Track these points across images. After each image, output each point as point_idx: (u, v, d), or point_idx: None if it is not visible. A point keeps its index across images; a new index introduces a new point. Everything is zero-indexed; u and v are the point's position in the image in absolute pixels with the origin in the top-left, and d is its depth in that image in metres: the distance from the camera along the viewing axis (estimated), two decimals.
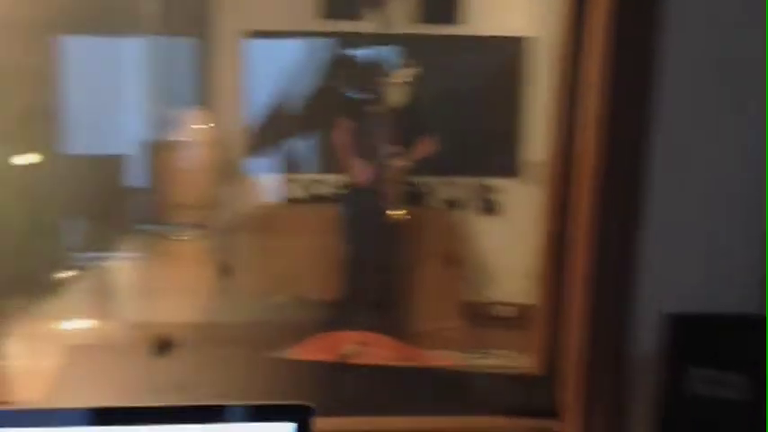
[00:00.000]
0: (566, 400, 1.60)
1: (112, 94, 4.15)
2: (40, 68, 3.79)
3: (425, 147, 4.12)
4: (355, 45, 4.06)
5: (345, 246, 4.13)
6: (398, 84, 3.34)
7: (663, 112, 1.35)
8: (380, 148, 3.72)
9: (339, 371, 1.65)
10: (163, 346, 1.58)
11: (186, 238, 4.25)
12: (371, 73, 3.62)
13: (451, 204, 4.81)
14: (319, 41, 4.53)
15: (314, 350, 2.51)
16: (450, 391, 1.71)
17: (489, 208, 4.69)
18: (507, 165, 4.61)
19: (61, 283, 2.54)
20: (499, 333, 4.03)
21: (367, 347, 2.44)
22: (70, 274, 2.55)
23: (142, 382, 1.58)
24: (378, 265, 4.18)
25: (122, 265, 3.52)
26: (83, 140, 3.98)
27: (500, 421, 1.63)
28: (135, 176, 4.24)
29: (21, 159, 2.76)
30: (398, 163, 3.87)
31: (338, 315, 3.93)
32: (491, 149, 4.61)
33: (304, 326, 3.18)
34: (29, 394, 1.55)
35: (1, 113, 3.09)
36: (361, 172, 3.94)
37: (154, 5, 4.14)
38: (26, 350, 1.68)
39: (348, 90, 3.97)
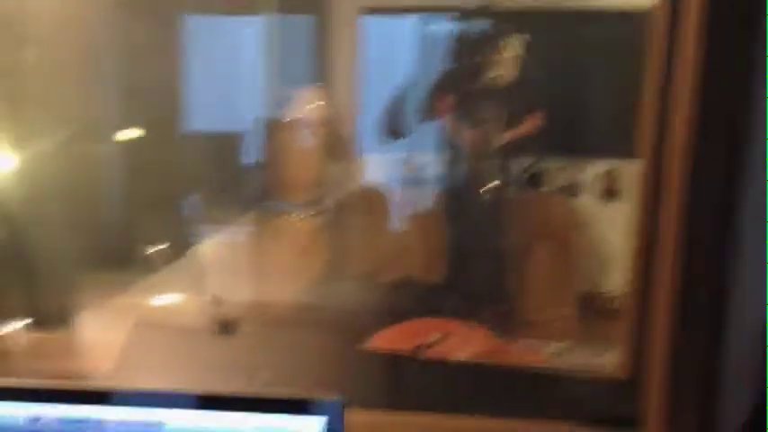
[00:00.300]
0: (650, 409, 1.46)
1: (230, 72, 4.22)
2: (162, 46, 3.89)
3: (534, 121, 3.94)
4: (468, 19, 3.92)
5: (451, 226, 4.03)
6: (509, 58, 3.19)
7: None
8: (489, 122, 3.57)
9: (410, 364, 1.57)
10: (227, 327, 1.57)
11: (297, 216, 4.29)
12: (483, 47, 3.48)
13: (569, 189, 4.60)
14: (434, 17, 4.42)
15: (395, 338, 2.44)
16: (526, 392, 1.60)
17: (609, 192, 4.45)
18: (627, 146, 4.33)
19: (158, 258, 2.60)
20: (610, 326, 3.82)
21: (451, 337, 2.34)
22: (166, 249, 2.60)
23: (204, 362, 1.57)
24: (485, 249, 4.06)
25: (229, 242, 3.59)
26: (201, 118, 4.08)
27: (577, 429, 1.51)
28: (250, 154, 4.31)
29: (126, 135, 2.83)
30: (506, 135, 3.70)
31: (441, 299, 3.84)
32: (610, 130, 4.35)
33: (398, 310, 3.13)
34: (97, 367, 1.57)
35: (118, 90, 3.19)
36: (469, 136, 3.77)
37: None
38: (100, 323, 1.71)
39: (459, 65, 3.85)
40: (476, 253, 4.02)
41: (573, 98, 4.51)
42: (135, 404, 1.03)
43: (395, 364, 1.52)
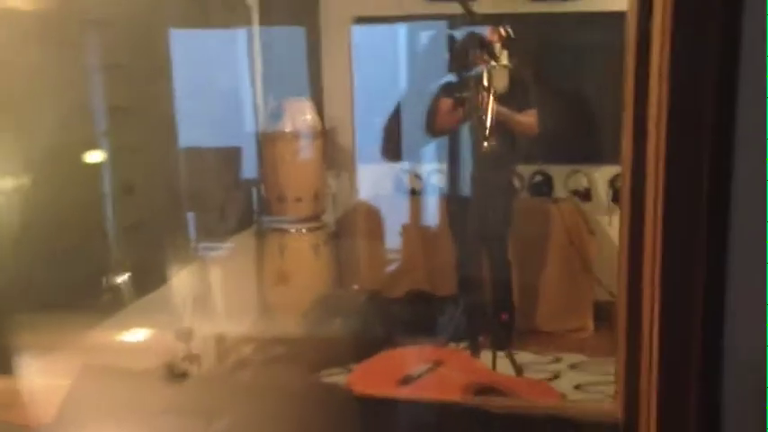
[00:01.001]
0: None
1: (221, 86, 4.10)
2: (151, 63, 3.78)
3: (529, 118, 3.76)
4: (461, 26, 3.79)
5: (457, 237, 3.87)
6: (500, 66, 3.04)
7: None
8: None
9: (379, 405, 1.42)
10: (191, 364, 1.43)
11: (295, 230, 4.15)
12: (475, 55, 3.33)
13: (580, 194, 4.43)
14: (426, 25, 4.29)
15: (379, 368, 2.29)
16: None
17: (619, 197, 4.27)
18: None
19: (126, 290, 2.42)
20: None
21: (442, 367, 2.18)
22: (136, 279, 2.42)
23: (159, 407, 1.42)
24: (493, 258, 3.90)
25: (215, 266, 3.43)
26: (191, 133, 3.95)
27: None
28: (244, 169, 4.19)
29: (93, 157, 2.68)
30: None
31: (449, 313, 3.69)
32: (617, 134, 4.19)
33: (381, 340, 2.96)
34: (41, 415, 1.44)
35: (100, 108, 3.07)
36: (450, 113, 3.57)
37: None
38: (45, 367, 1.58)
39: (455, 73, 3.70)
40: (484, 262, 3.85)
41: (574, 102, 4.36)
42: None
43: (366, 404, 1.37)
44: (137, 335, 2.17)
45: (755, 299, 1.10)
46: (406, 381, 2.04)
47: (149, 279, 2.65)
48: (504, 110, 3.58)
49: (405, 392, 1.90)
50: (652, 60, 1.14)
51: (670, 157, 1.08)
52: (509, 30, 3.76)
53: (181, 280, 2.85)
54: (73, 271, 2.17)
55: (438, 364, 2.22)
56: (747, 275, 1.09)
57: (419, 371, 2.12)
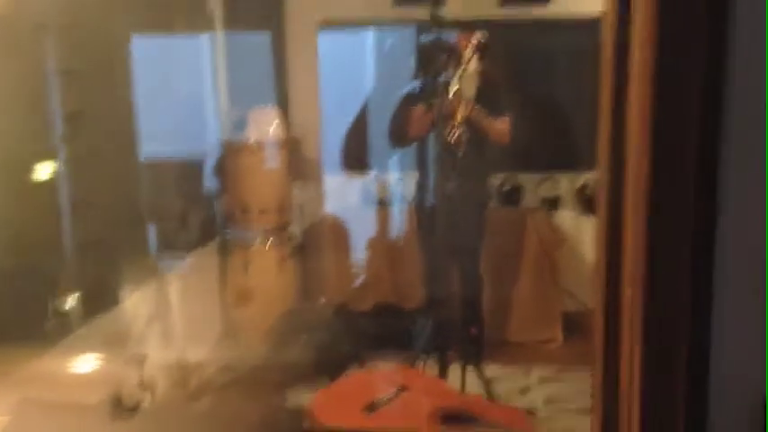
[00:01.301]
0: None
1: (184, 94, 3.98)
2: (112, 69, 3.65)
3: (501, 124, 3.69)
4: (430, 31, 3.71)
5: (425, 248, 3.78)
6: (470, 72, 2.95)
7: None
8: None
9: None
10: (131, 405, 1.32)
11: (260, 243, 4.03)
12: (443, 61, 3.25)
13: (549, 203, 4.38)
14: (395, 30, 4.21)
15: (343, 393, 2.19)
16: None
17: (589, 205, 4.22)
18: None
19: (75, 313, 2.25)
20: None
21: (408, 392, 2.08)
22: (76, 298, 2.25)
23: None
24: (463, 269, 3.82)
25: (176, 281, 3.29)
26: (154, 143, 3.82)
27: None
28: (207, 179, 4.07)
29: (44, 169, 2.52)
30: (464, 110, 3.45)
31: (417, 326, 3.60)
32: (585, 141, 4.14)
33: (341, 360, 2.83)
34: None
35: (57, 115, 2.94)
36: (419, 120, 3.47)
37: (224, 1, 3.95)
38: None
39: (423, 79, 3.61)
40: (453, 274, 3.77)
41: (544, 109, 4.32)
42: None
43: None
44: (84, 363, 2.03)
45: (745, 306, 1.03)
46: (372, 408, 1.94)
47: (101, 300, 2.51)
48: (478, 113, 3.51)
49: (370, 423, 1.80)
50: (631, 66, 1.07)
51: (654, 163, 1.01)
52: (483, 35, 3.70)
53: (136, 299, 2.71)
54: (16, 293, 2.02)
55: (404, 388, 2.12)
56: (736, 282, 1.02)
57: (385, 397, 2.02)
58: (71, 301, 2.20)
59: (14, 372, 1.72)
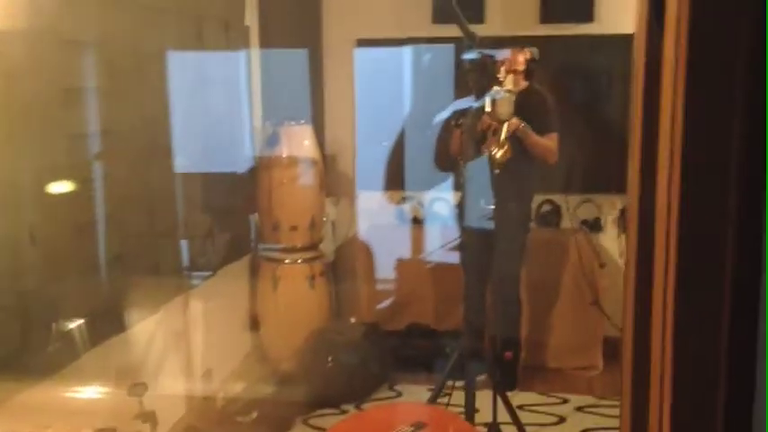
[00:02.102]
0: None
1: (221, 109, 3.97)
2: (149, 85, 3.65)
3: (550, 142, 3.59)
4: (472, 48, 3.62)
5: (466, 267, 3.65)
6: (507, 92, 2.86)
7: None
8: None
9: None
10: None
11: (290, 260, 3.97)
12: (488, 78, 3.15)
13: (590, 225, 4.23)
14: (434, 48, 4.14)
15: (359, 429, 2.08)
16: None
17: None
18: None
19: (79, 339, 2.12)
20: None
21: (425, 430, 1.97)
22: (93, 325, 2.13)
23: None
24: (502, 290, 3.70)
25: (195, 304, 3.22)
26: (188, 157, 3.81)
27: None
28: (240, 195, 4.03)
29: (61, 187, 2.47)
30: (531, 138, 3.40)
31: (449, 348, 3.48)
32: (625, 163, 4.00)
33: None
34: None
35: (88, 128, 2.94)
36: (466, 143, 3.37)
37: (261, 17, 3.93)
38: None
39: (466, 99, 3.52)
40: (490, 296, 3.65)
41: (589, 128, 4.20)
42: None
43: None
44: (83, 393, 1.96)
45: None
46: None
47: (111, 323, 2.43)
48: (524, 130, 3.43)
49: None
50: (663, 85, 0.98)
51: (686, 188, 0.91)
52: (533, 51, 3.61)
53: (150, 323, 2.62)
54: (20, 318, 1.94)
55: (420, 427, 2.02)
56: None
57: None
58: (76, 326, 2.12)
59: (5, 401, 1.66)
